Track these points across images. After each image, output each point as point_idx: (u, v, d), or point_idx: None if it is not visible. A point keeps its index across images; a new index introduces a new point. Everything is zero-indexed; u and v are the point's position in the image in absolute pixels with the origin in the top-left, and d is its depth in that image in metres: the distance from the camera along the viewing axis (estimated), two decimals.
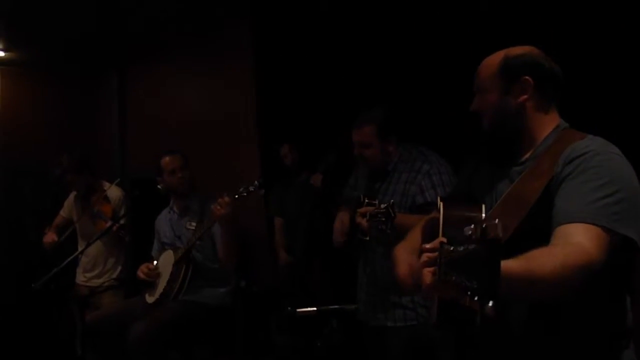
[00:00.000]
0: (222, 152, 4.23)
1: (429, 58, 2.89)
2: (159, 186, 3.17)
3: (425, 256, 1.04)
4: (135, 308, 3.07)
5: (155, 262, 3.18)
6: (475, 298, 0.87)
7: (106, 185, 3.61)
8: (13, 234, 4.77)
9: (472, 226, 0.91)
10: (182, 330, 2.96)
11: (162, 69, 4.91)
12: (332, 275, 3.24)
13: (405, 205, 2.33)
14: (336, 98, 3.37)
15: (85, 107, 5.30)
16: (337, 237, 2.44)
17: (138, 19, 4.09)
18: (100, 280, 3.52)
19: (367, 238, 2.30)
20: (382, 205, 2.09)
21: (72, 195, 3.78)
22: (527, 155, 1.40)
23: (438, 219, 1.34)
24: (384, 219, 2.06)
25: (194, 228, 3.08)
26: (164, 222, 3.29)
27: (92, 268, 3.65)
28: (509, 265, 1.02)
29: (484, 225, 0.89)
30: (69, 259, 2.90)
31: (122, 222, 3.38)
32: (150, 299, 3.06)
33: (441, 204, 1.37)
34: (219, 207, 2.77)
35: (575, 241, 1.15)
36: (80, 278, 3.71)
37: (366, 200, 2.24)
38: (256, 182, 2.80)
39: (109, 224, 3.33)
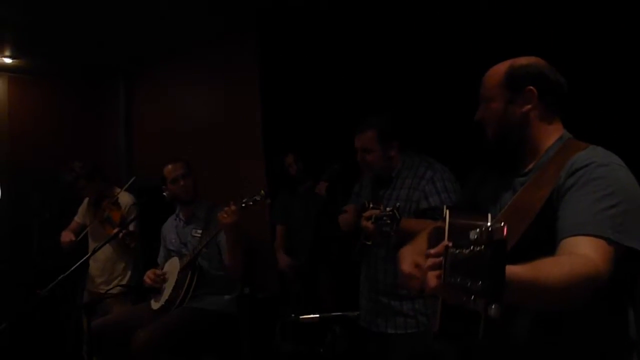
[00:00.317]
0: (227, 160, 4.26)
1: (433, 68, 2.91)
2: (164, 194, 3.19)
3: (430, 260, 1.05)
4: (140, 314, 3.08)
5: (161, 269, 3.20)
6: (480, 300, 0.87)
7: (118, 191, 3.64)
8: (20, 241, 4.79)
9: (478, 229, 0.91)
10: (187, 337, 2.97)
11: (168, 78, 4.95)
12: (337, 282, 3.25)
13: (409, 211, 2.37)
14: (341, 107, 3.39)
15: (92, 115, 5.33)
16: (343, 223, 2.47)
17: (145, 28, 4.13)
18: (110, 287, 3.54)
19: (370, 242, 2.32)
20: (388, 209, 2.12)
21: (85, 201, 3.83)
22: (530, 166, 1.40)
23: (444, 227, 1.35)
24: (389, 222, 2.09)
25: (199, 235, 3.10)
26: (170, 229, 3.32)
27: (102, 274, 3.68)
28: (514, 270, 1.02)
29: (490, 228, 0.90)
30: (75, 266, 2.91)
31: (130, 228, 3.41)
32: (155, 305, 3.07)
33: (447, 212, 1.38)
34: (225, 216, 2.79)
35: (581, 252, 1.15)
36: (90, 284, 3.75)
37: (371, 205, 2.27)
38: (262, 191, 2.82)
39: (116, 230, 3.36)
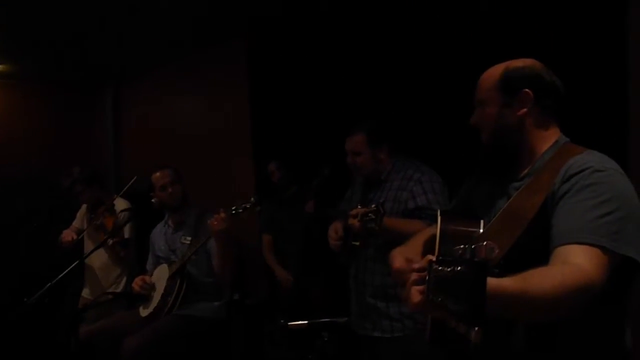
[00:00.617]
0: (217, 166, 4.25)
1: (422, 73, 2.94)
2: (152, 201, 3.18)
3: (414, 275, 1.02)
4: (129, 321, 3.06)
5: (150, 276, 3.19)
6: (461, 323, 0.85)
7: (115, 198, 3.62)
8: (6, 249, 4.74)
9: (462, 246, 0.90)
10: (177, 343, 2.95)
11: (157, 84, 4.94)
12: (329, 289, 3.25)
13: (398, 211, 2.41)
14: (330, 113, 3.41)
15: (80, 120, 5.31)
16: (332, 242, 2.49)
17: (134, 34, 4.12)
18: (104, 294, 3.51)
19: (358, 243, 2.34)
20: (372, 205, 2.15)
21: (84, 207, 3.82)
22: (525, 171, 1.37)
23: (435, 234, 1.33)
24: (373, 217, 2.11)
25: (188, 242, 3.09)
26: (159, 235, 3.30)
27: (97, 281, 3.66)
28: (504, 283, 1.01)
29: (473, 246, 0.89)
30: (62, 273, 2.88)
31: (125, 235, 3.38)
32: (144, 313, 3.05)
33: (439, 218, 1.35)
34: (215, 223, 2.78)
35: (575, 262, 1.12)
36: (85, 291, 3.72)
37: (359, 206, 2.31)
38: (252, 198, 2.82)
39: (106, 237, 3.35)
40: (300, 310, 2.86)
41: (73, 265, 3.11)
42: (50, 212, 4.14)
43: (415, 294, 0.99)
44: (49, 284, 2.83)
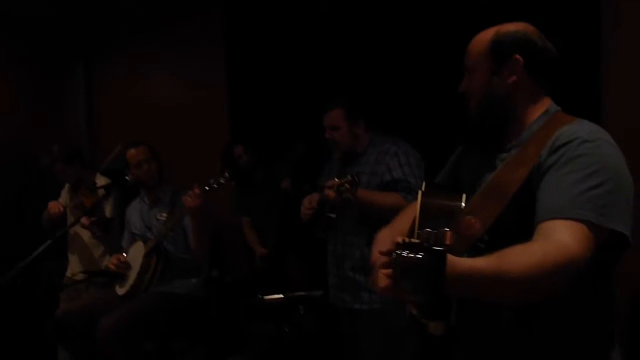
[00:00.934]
0: (193, 142, 4.19)
1: (401, 50, 2.92)
2: (126, 177, 3.12)
3: (382, 258, 0.97)
4: (106, 301, 3.02)
5: (125, 253, 3.15)
6: (419, 313, 0.81)
7: (98, 177, 3.53)
8: None
9: (428, 230, 0.86)
10: (155, 321, 2.93)
11: (131, 60, 4.82)
12: (306, 263, 3.25)
13: (374, 184, 2.43)
14: (307, 88, 3.39)
15: (51, 97, 5.16)
16: (304, 210, 2.50)
17: (105, 5, 4.00)
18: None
19: (334, 215, 2.35)
20: (348, 176, 2.18)
21: (67, 186, 3.74)
22: (513, 142, 1.30)
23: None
24: (349, 187, 2.15)
25: (164, 219, 3.05)
26: (134, 212, 3.25)
27: (80, 260, 3.60)
28: (478, 265, 0.97)
29: (436, 232, 0.84)
30: (35, 253, 2.82)
31: (107, 215, 3.31)
32: (120, 291, 3.02)
33: (420, 192, 1.31)
34: (189, 199, 2.75)
35: (557, 238, 1.07)
36: (68, 271, 3.66)
37: (335, 179, 2.31)
38: (226, 173, 2.78)
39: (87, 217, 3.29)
40: (278, 285, 2.86)
41: (47, 243, 3.05)
42: (21, 194, 4.03)
43: (382, 278, 0.95)
44: (21, 264, 2.77)
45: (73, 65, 5.18)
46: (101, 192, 3.37)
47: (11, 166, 4.53)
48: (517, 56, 1.27)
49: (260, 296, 2.47)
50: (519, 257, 1.01)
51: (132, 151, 3.13)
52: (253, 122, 3.79)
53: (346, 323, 2.60)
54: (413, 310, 0.83)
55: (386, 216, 1.49)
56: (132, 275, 2.98)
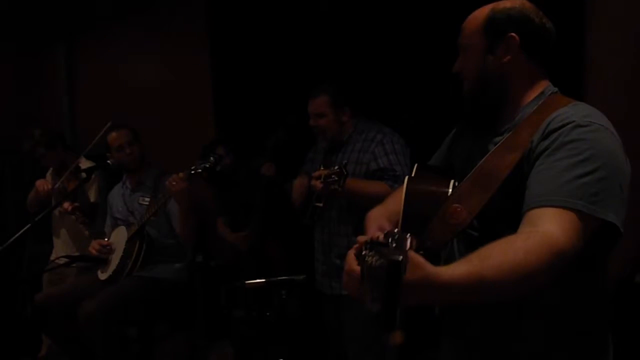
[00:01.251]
0: (176, 125, 4.15)
1: (386, 36, 2.90)
2: (108, 161, 3.07)
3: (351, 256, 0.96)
4: (87, 285, 3.00)
5: (107, 238, 3.11)
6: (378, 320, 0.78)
7: (83, 161, 3.46)
8: None
9: (396, 230, 0.83)
10: (137, 306, 2.91)
11: (113, 39, 4.72)
12: (289, 248, 3.24)
13: (360, 173, 2.42)
14: (291, 72, 3.35)
15: (31, 80, 5.05)
16: (295, 194, 2.49)
17: None
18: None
19: (321, 204, 2.34)
20: (335, 167, 2.16)
21: (50, 170, 3.65)
22: (507, 125, 1.24)
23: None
24: (336, 178, 2.12)
25: (147, 203, 3.02)
26: (116, 197, 3.22)
27: (65, 245, 3.54)
28: (458, 272, 0.92)
29: (397, 236, 0.81)
30: (13, 237, 2.77)
31: (92, 200, 3.24)
32: (103, 276, 3.00)
33: (407, 178, 1.27)
34: (173, 183, 2.71)
35: (543, 230, 1.01)
36: (52, 255, 3.61)
37: (322, 168, 2.31)
38: (212, 157, 2.75)
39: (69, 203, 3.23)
40: (261, 270, 2.85)
41: (26, 228, 2.99)
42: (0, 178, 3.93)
43: (347, 275, 0.92)
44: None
45: (54, 45, 5.06)
46: (82, 175, 3.31)
47: None
48: (512, 34, 1.21)
49: (241, 281, 2.46)
50: (501, 257, 0.96)
51: (113, 134, 3.08)
52: (237, 106, 3.75)
53: (331, 309, 2.60)
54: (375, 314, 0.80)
55: (372, 205, 1.47)
56: (115, 260, 2.96)
